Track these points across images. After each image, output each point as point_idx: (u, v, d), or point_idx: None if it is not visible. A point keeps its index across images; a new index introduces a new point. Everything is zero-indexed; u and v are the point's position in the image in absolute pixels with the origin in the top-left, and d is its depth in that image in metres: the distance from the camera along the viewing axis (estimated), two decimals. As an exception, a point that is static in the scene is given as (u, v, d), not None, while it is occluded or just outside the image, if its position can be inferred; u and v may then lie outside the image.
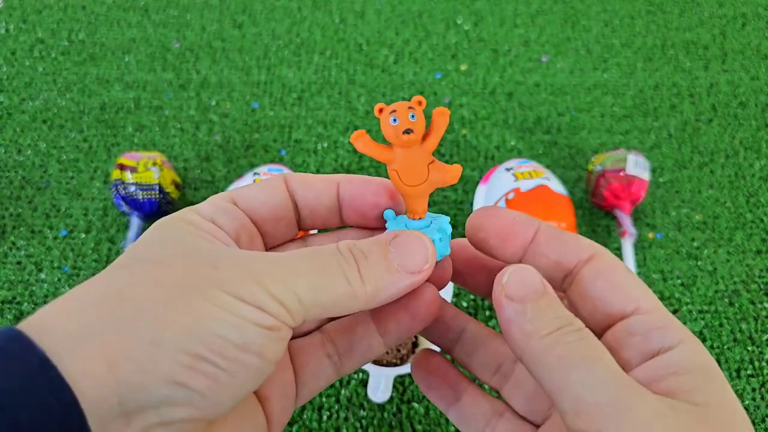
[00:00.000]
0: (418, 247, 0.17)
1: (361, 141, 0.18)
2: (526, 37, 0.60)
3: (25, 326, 0.13)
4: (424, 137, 0.18)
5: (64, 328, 0.13)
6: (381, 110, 0.18)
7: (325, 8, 0.62)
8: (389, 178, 0.19)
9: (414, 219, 0.19)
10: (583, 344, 0.15)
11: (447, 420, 0.37)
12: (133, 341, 0.13)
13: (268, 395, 0.18)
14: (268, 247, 0.20)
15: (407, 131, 0.17)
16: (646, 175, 0.44)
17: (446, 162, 0.53)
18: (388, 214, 0.19)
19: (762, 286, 0.43)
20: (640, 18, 0.62)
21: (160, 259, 0.15)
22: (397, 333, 0.19)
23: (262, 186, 0.19)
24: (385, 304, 0.18)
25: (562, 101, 0.55)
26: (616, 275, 0.17)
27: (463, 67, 0.57)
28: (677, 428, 0.13)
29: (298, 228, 0.20)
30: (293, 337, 0.20)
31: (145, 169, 0.43)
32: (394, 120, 0.18)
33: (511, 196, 0.41)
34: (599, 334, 0.17)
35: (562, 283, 0.18)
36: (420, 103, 0.18)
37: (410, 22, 0.61)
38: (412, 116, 0.17)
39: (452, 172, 0.19)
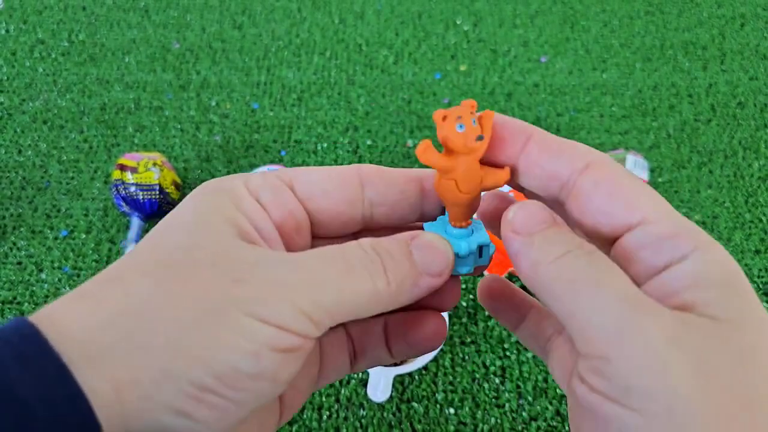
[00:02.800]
0: (441, 250, 0.17)
1: (429, 153, 0.17)
2: (525, 38, 0.60)
3: (42, 321, 0.13)
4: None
5: (79, 339, 0.13)
6: (445, 117, 0.16)
7: (325, 9, 0.62)
8: (440, 189, 0.17)
9: (458, 227, 0.18)
10: (593, 267, 0.14)
11: (446, 419, 0.37)
12: (143, 368, 0.13)
13: (294, 386, 0.18)
14: (319, 238, 0.18)
15: (480, 138, 0.16)
16: (645, 175, 0.44)
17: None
18: (440, 226, 0.18)
19: (761, 286, 0.43)
20: (639, 18, 0.62)
21: (185, 268, 0.14)
22: (406, 354, 0.19)
23: (331, 174, 0.17)
24: (397, 319, 0.18)
25: (561, 101, 0.55)
26: (616, 183, 0.15)
27: (463, 68, 0.57)
28: (693, 350, 0.13)
29: (365, 223, 0.18)
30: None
31: (146, 169, 0.43)
32: (461, 126, 0.16)
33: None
34: (605, 251, 0.16)
35: (559, 195, 0.17)
36: (473, 106, 0.17)
37: (410, 22, 0.61)
38: (474, 122, 0.16)
39: (503, 176, 0.17)
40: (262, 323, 0.14)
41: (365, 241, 0.16)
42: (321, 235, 0.18)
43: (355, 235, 0.18)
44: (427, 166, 0.18)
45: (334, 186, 0.17)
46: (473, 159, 0.17)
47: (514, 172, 0.17)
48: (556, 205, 0.17)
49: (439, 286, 0.17)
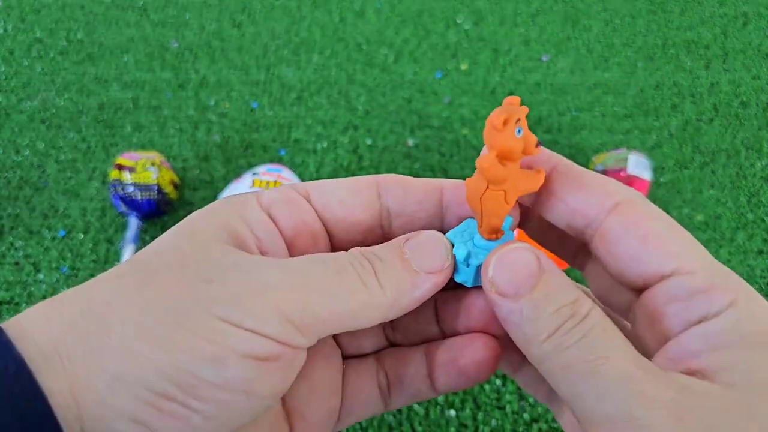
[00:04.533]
0: (434, 244, 0.15)
1: (497, 167, 0.14)
2: (526, 37, 0.60)
3: (10, 324, 0.12)
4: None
5: (38, 340, 0.12)
6: (504, 121, 0.14)
7: (325, 7, 0.62)
8: (487, 201, 0.15)
9: (491, 239, 0.16)
10: (587, 345, 0.13)
11: (447, 421, 0.37)
12: (97, 372, 0.12)
13: (306, 417, 0.16)
14: (338, 249, 0.17)
15: (539, 144, 0.15)
16: (647, 175, 0.44)
17: (447, 161, 0.52)
18: (457, 235, 0.16)
19: (763, 287, 0.43)
20: (641, 17, 0.62)
21: (155, 269, 0.13)
22: (452, 384, 0.17)
23: (348, 183, 0.17)
24: (442, 355, 0.17)
25: (563, 101, 0.54)
26: (649, 227, 0.14)
27: (464, 67, 0.57)
28: (700, 427, 0.12)
29: (385, 235, 0.17)
30: (348, 357, 0.18)
31: (144, 169, 0.43)
32: (519, 130, 0.14)
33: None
34: (633, 296, 0.15)
35: (584, 234, 0.15)
36: (516, 103, 0.15)
37: (410, 21, 0.61)
38: (519, 130, 0.15)
39: (538, 180, 0.15)
40: (231, 326, 0.12)
41: (354, 249, 0.15)
42: (337, 249, 0.17)
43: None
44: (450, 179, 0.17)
45: (350, 194, 0.16)
46: (518, 166, 0.15)
47: (538, 200, 0.16)
48: (581, 241, 0.16)
49: (443, 283, 0.15)
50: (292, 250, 0.16)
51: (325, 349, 0.17)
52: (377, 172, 0.49)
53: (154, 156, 0.44)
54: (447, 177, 0.49)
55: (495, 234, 0.16)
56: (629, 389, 0.12)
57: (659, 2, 0.64)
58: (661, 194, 0.48)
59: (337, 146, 0.51)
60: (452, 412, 0.37)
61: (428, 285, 0.15)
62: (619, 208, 0.14)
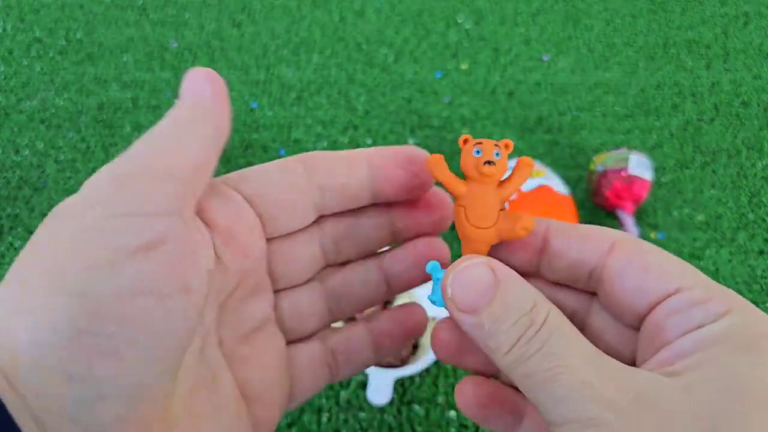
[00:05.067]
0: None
1: (439, 167, 0.17)
2: (527, 36, 0.60)
3: None
4: (502, 183, 0.17)
5: None
6: (466, 141, 0.17)
7: (325, 7, 0.62)
8: (454, 216, 0.17)
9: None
10: (545, 354, 0.13)
11: (447, 422, 0.37)
12: (12, 335, 0.12)
13: (262, 399, 0.17)
14: (278, 234, 0.18)
15: (489, 162, 0.16)
16: (648, 175, 0.44)
17: (447, 161, 0.52)
18: (433, 266, 0.17)
19: (764, 287, 0.43)
20: (641, 17, 0.62)
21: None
22: (390, 351, 0.19)
23: (275, 166, 0.17)
24: (381, 322, 0.19)
25: (564, 100, 0.54)
26: (647, 258, 0.15)
27: (464, 66, 0.57)
28: (654, 422, 0.12)
29: (321, 211, 0.18)
30: (294, 342, 0.19)
31: (143, 169, 0.43)
32: (478, 152, 0.17)
33: (512, 196, 0.41)
34: (639, 325, 0.15)
35: (589, 282, 0.16)
36: (507, 146, 0.17)
37: (410, 20, 0.61)
38: (497, 154, 0.16)
39: (522, 222, 0.16)
40: (115, 221, 0.13)
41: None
42: (277, 232, 0.17)
43: (315, 224, 0.18)
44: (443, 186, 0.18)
45: (278, 177, 0.17)
46: (486, 191, 0.16)
47: (542, 262, 0.17)
48: (586, 296, 0.17)
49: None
50: (229, 241, 0.16)
51: (268, 338, 0.18)
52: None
53: (154, 156, 0.44)
54: (447, 177, 0.48)
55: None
56: (587, 394, 0.13)
57: (660, 2, 0.63)
58: (661, 194, 0.48)
59: (337, 146, 0.51)
60: (452, 413, 0.37)
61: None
62: (615, 248, 0.16)
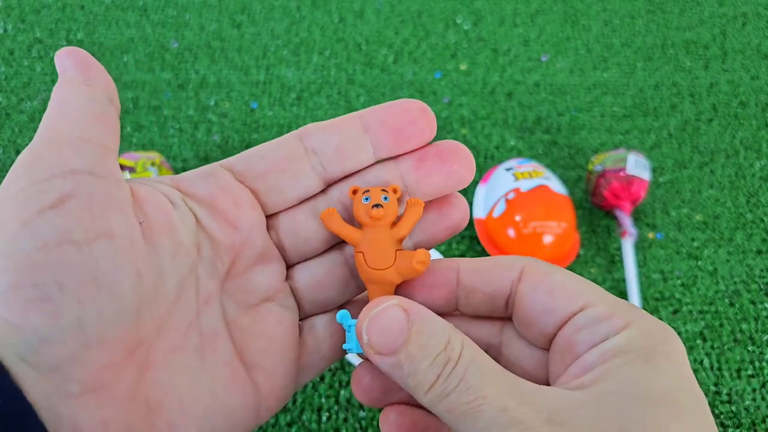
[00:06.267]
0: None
1: (332, 219, 0.18)
2: (525, 37, 0.60)
3: None
4: (395, 224, 0.18)
5: None
6: (355, 191, 0.18)
7: (324, 8, 0.62)
8: (355, 263, 0.18)
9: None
10: (463, 389, 0.14)
11: (447, 421, 0.37)
12: None
13: (267, 370, 0.17)
14: (283, 206, 0.18)
15: (376, 206, 0.17)
16: (646, 175, 0.44)
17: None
18: (343, 314, 0.18)
19: (762, 287, 0.43)
20: (640, 17, 0.62)
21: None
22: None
23: (268, 144, 0.18)
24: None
25: (562, 101, 0.54)
26: (552, 280, 0.16)
27: (463, 67, 0.57)
28: None
29: (324, 177, 0.18)
30: (311, 315, 0.19)
31: (144, 169, 0.43)
32: (366, 199, 0.17)
33: (511, 196, 0.41)
34: (549, 343, 0.17)
35: (507, 311, 0.17)
36: (395, 191, 0.18)
37: (409, 21, 0.61)
38: (385, 198, 0.17)
39: (418, 257, 0.17)
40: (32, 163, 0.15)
41: None
42: (281, 202, 0.18)
43: (322, 193, 0.19)
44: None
45: (269, 149, 0.18)
46: (380, 233, 0.17)
47: (457, 299, 0.18)
48: (499, 326, 0.18)
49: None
50: (213, 213, 0.17)
51: (276, 309, 0.18)
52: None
53: (154, 156, 0.44)
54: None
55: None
56: (506, 419, 0.13)
57: (658, 2, 0.64)
58: (660, 194, 0.48)
59: (336, 146, 0.51)
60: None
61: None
62: (523, 274, 0.17)
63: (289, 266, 0.19)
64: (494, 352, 0.18)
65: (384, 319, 0.15)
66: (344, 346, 0.18)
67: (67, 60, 0.17)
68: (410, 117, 0.17)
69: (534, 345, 0.17)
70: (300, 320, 0.19)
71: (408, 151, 0.18)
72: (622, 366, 0.14)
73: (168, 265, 0.15)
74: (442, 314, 0.16)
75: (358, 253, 0.18)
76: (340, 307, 0.20)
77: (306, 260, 0.19)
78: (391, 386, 0.18)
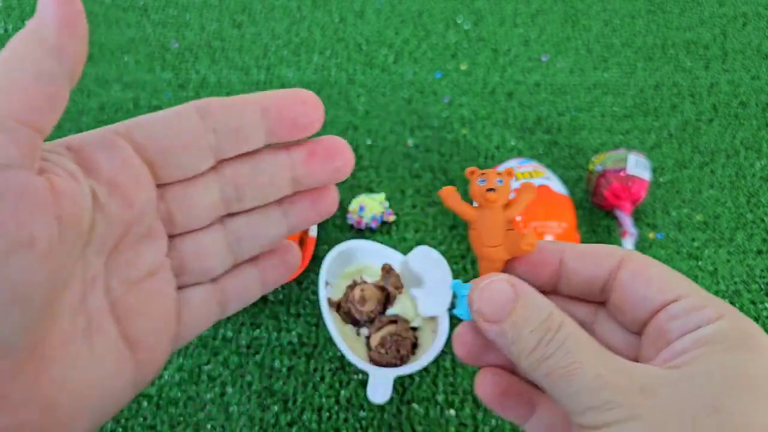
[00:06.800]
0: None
1: (451, 198, 0.20)
2: (526, 37, 0.60)
3: None
4: (507, 206, 0.19)
5: None
6: (472, 172, 0.20)
7: (325, 8, 0.62)
8: (470, 239, 0.20)
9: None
10: (562, 354, 0.16)
11: (447, 421, 0.37)
12: None
13: (147, 345, 0.18)
14: (168, 180, 0.18)
15: (490, 189, 0.19)
16: (646, 175, 0.44)
17: (446, 161, 0.53)
18: (456, 284, 0.20)
19: (763, 287, 0.43)
20: (640, 17, 0.62)
21: None
22: (275, 285, 0.21)
23: (168, 114, 0.17)
24: (268, 260, 0.21)
25: (563, 101, 0.54)
26: (651, 271, 0.17)
27: (463, 67, 0.57)
28: (653, 422, 0.14)
29: (217, 155, 0.18)
30: (186, 287, 0.19)
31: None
32: (482, 181, 0.19)
33: (511, 195, 0.41)
34: (642, 329, 0.18)
35: (601, 295, 0.19)
36: (510, 174, 0.19)
37: (410, 21, 0.61)
38: (500, 181, 0.19)
39: (527, 239, 0.19)
40: None
41: None
42: (174, 177, 0.18)
43: (214, 170, 0.19)
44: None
45: (170, 124, 0.17)
46: (496, 214, 0.19)
47: (556, 275, 0.19)
48: (593, 308, 0.20)
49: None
50: (113, 190, 0.16)
51: (158, 284, 0.18)
52: (377, 173, 0.49)
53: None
54: (447, 178, 0.49)
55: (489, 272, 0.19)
56: (601, 383, 0.15)
57: (659, 2, 0.64)
58: (660, 194, 0.48)
59: (337, 146, 0.51)
60: (452, 412, 0.37)
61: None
62: (623, 264, 0.18)
63: (173, 236, 0.19)
64: (587, 331, 0.19)
65: (494, 290, 0.17)
66: (454, 311, 0.19)
67: (50, 6, 0.14)
68: (304, 109, 0.19)
69: (627, 329, 0.18)
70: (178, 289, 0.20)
71: (296, 140, 0.19)
72: (713, 353, 0.15)
73: (69, 257, 0.15)
74: (543, 292, 0.18)
75: (473, 230, 0.19)
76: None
77: (191, 231, 0.19)
78: (490, 348, 0.19)
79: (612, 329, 0.19)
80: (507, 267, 0.19)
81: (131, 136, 0.17)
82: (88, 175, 0.16)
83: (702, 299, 0.16)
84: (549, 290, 0.20)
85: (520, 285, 0.17)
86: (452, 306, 0.20)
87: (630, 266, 0.18)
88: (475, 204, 0.20)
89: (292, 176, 0.19)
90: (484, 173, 0.19)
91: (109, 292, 0.17)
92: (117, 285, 0.17)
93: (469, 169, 0.20)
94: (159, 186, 0.18)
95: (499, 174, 0.19)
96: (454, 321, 0.41)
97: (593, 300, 0.19)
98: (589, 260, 0.19)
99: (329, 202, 0.20)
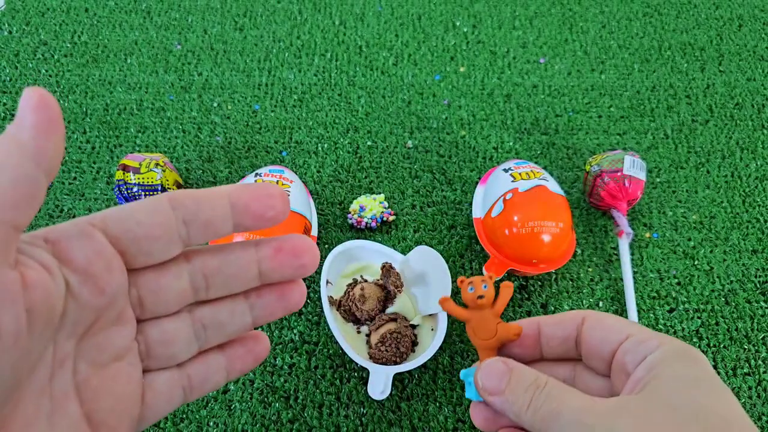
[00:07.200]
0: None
1: (448, 304, 0.25)
2: (524, 39, 0.61)
3: None
4: (494, 303, 0.24)
5: None
6: (462, 282, 0.24)
7: (326, 11, 0.63)
8: (467, 333, 0.24)
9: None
10: (549, 402, 0.20)
11: (445, 417, 0.37)
12: None
13: (110, 425, 0.18)
14: (143, 269, 0.19)
15: (480, 297, 0.24)
16: (642, 176, 0.44)
17: (445, 162, 0.53)
18: (466, 373, 0.24)
19: (758, 285, 0.44)
20: (637, 20, 0.63)
21: None
22: (240, 374, 0.22)
23: (141, 205, 0.18)
24: (236, 350, 0.22)
25: (560, 102, 0.55)
26: (606, 321, 0.23)
27: (462, 69, 0.58)
28: (632, 427, 0.18)
29: (187, 244, 0.19)
30: (151, 371, 0.20)
31: (148, 169, 0.43)
32: (471, 289, 0.24)
33: (509, 196, 0.42)
34: (607, 367, 0.23)
35: (576, 350, 0.24)
36: (491, 277, 0.24)
37: (409, 24, 0.62)
38: (485, 286, 0.24)
39: (514, 330, 0.24)
40: None
41: None
42: (145, 264, 0.19)
43: (184, 256, 0.20)
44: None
45: (145, 215, 0.18)
46: (486, 314, 0.24)
47: (535, 340, 0.25)
48: (572, 366, 0.25)
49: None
50: (86, 279, 0.17)
51: (125, 368, 0.19)
52: (377, 173, 0.50)
53: (158, 157, 0.45)
54: (445, 178, 0.49)
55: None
56: (583, 414, 0.20)
57: (655, 5, 0.64)
58: (656, 194, 0.49)
59: (337, 147, 0.51)
60: (451, 408, 0.38)
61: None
62: (585, 320, 0.23)
63: (141, 320, 0.20)
64: (570, 385, 0.24)
65: (492, 369, 0.22)
66: (466, 395, 0.24)
67: (29, 112, 0.15)
68: (271, 203, 0.19)
69: (600, 375, 0.23)
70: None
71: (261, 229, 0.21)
72: (663, 370, 0.20)
73: (38, 344, 0.15)
74: (532, 361, 0.24)
75: (469, 327, 0.24)
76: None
77: (159, 317, 0.20)
78: (499, 415, 0.24)
79: (590, 378, 0.24)
80: (501, 348, 0.24)
81: (106, 226, 0.18)
82: (63, 265, 0.17)
83: (646, 334, 0.21)
84: (537, 357, 0.25)
85: (511, 362, 0.22)
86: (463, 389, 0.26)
87: (589, 321, 0.23)
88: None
89: (260, 270, 0.20)
90: (471, 281, 0.24)
91: (76, 373, 0.18)
92: (84, 367, 0.18)
93: (459, 279, 0.24)
94: (131, 271, 0.19)
95: (483, 280, 0.24)
96: (452, 319, 0.41)
97: (572, 357, 0.24)
98: (560, 324, 0.24)
99: (296, 299, 0.22)
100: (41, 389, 0.16)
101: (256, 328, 0.22)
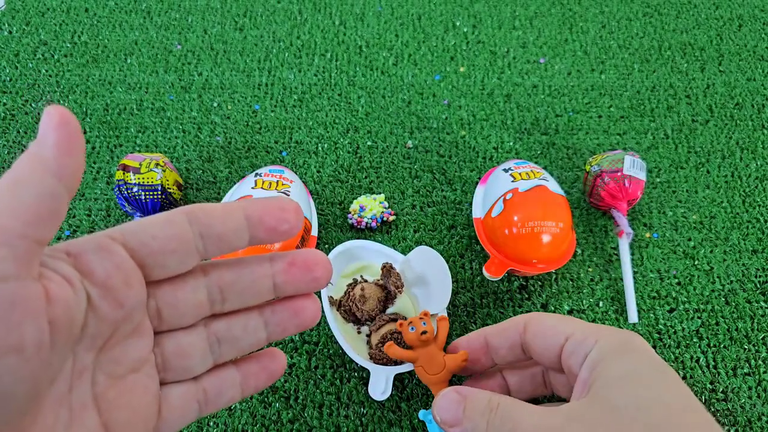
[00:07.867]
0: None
1: (393, 349, 0.26)
2: (524, 39, 0.61)
3: None
4: (436, 338, 0.25)
5: None
6: (401, 324, 0.26)
7: (326, 11, 0.63)
8: (417, 373, 0.25)
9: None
10: (504, 423, 0.22)
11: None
12: None
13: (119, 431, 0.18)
14: (159, 282, 0.19)
15: (423, 333, 0.25)
16: (642, 176, 0.44)
17: (445, 162, 0.53)
18: (424, 414, 0.25)
19: (758, 285, 0.44)
20: (637, 20, 0.63)
21: None
22: (255, 390, 0.22)
23: (158, 219, 0.19)
24: (250, 367, 0.22)
25: (560, 102, 0.55)
26: (545, 326, 0.24)
27: (462, 69, 0.58)
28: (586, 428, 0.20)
29: (204, 257, 0.20)
30: (167, 383, 0.20)
31: (148, 169, 0.43)
32: (412, 329, 0.25)
33: (509, 196, 0.42)
34: (558, 366, 0.24)
35: (526, 356, 0.25)
36: (426, 314, 0.26)
37: (409, 24, 0.62)
38: (424, 323, 0.25)
39: (461, 357, 0.25)
40: None
41: None
42: (162, 276, 0.19)
43: (201, 270, 0.20)
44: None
45: (161, 229, 0.18)
46: (431, 349, 0.25)
47: (478, 358, 0.26)
48: (525, 360, 0.27)
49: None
50: (106, 293, 0.17)
51: (142, 379, 0.19)
52: (377, 173, 0.50)
53: (158, 157, 0.45)
54: (445, 178, 0.49)
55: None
56: (538, 430, 0.21)
57: (655, 5, 0.64)
58: (656, 194, 0.49)
59: (338, 147, 0.51)
60: (451, 408, 0.38)
61: None
62: (526, 326, 0.24)
63: (158, 332, 0.20)
64: (545, 380, 0.26)
65: (446, 400, 0.23)
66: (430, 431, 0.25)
67: (50, 130, 0.15)
68: (285, 216, 0.20)
69: (555, 371, 0.25)
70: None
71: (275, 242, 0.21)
72: (603, 369, 0.21)
73: (58, 356, 0.16)
74: (493, 370, 0.26)
75: (418, 367, 0.25)
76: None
77: (175, 330, 0.20)
78: None
79: (557, 375, 0.26)
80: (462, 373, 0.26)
81: (125, 240, 0.18)
82: (84, 278, 0.17)
83: (582, 333, 0.23)
84: (493, 371, 0.26)
85: (464, 389, 0.23)
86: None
87: (530, 328, 0.24)
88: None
89: (274, 283, 0.21)
90: (410, 322, 0.25)
91: (94, 385, 0.18)
92: (103, 379, 0.18)
93: (398, 323, 0.26)
94: (150, 283, 0.19)
95: (420, 318, 0.26)
96: (453, 318, 0.41)
97: (529, 360, 0.25)
98: (503, 334, 0.25)
99: (310, 317, 0.22)
100: (60, 400, 0.16)
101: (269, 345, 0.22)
